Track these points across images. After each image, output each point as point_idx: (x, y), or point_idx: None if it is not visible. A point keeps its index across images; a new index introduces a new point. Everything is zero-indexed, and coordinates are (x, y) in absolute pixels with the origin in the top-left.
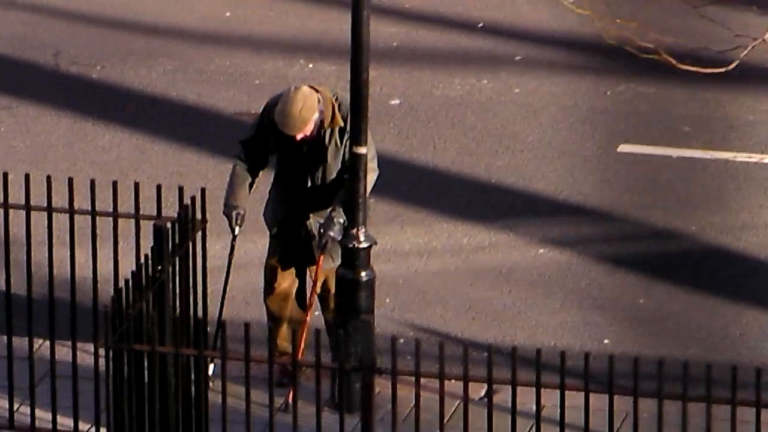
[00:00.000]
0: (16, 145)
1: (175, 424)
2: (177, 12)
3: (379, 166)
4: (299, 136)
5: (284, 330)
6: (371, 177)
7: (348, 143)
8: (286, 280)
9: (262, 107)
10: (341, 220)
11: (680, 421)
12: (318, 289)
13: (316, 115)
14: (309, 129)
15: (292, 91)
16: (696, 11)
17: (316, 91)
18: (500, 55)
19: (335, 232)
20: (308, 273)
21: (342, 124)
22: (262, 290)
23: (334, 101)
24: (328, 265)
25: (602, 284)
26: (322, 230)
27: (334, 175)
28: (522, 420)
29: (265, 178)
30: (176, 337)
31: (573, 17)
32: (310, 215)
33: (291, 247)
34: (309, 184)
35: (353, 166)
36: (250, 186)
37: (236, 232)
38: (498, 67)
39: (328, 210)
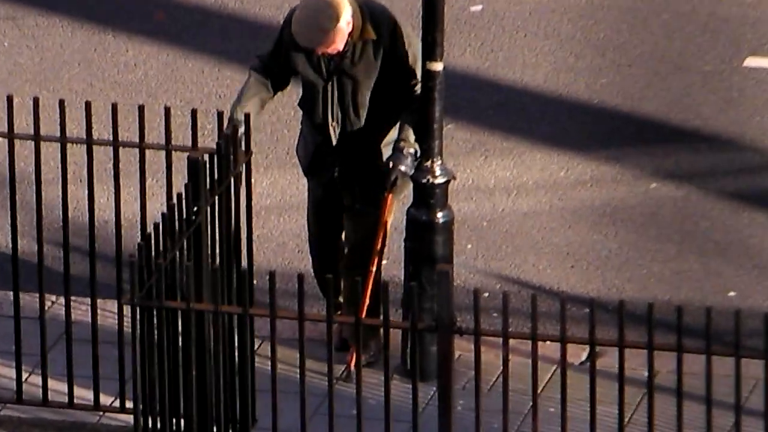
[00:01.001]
0: (23, 63)
1: (215, 395)
2: None
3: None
4: (320, 50)
5: (340, 284)
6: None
7: (408, 58)
8: (330, 228)
9: (285, 17)
10: (412, 151)
11: None
12: (381, 235)
13: (341, 26)
14: (332, 42)
15: None
16: None
17: None
18: None
19: (406, 166)
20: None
21: (374, 36)
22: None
23: (363, 9)
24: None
25: (726, 226)
26: (390, 164)
27: (367, 99)
28: (631, 388)
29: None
30: (216, 291)
31: None
32: (347, 147)
33: (329, 190)
34: (339, 111)
35: (427, 85)
36: (262, 103)
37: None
38: None
39: (394, 138)
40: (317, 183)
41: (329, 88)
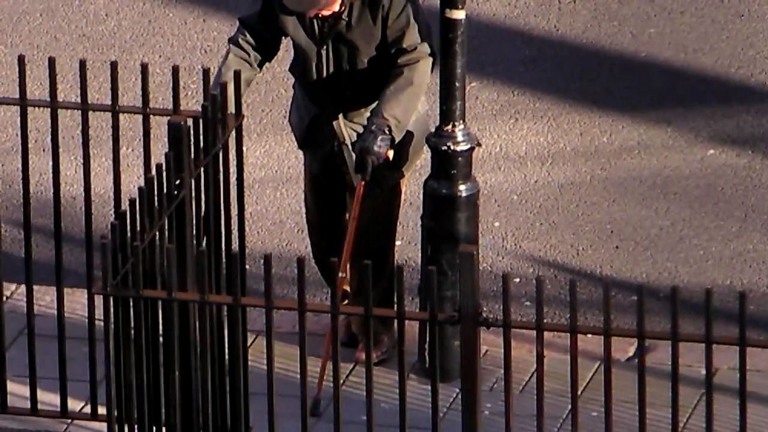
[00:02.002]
0: None
1: (202, 399)
2: None
3: (435, 52)
4: (312, 13)
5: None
6: (422, 66)
7: (393, 22)
8: (331, 208)
9: None
10: (386, 130)
11: None
12: (352, 227)
13: None
14: (326, 3)
15: None
16: None
17: None
18: None
19: (378, 146)
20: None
21: None
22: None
23: None
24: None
25: None
26: (359, 146)
27: (366, 65)
28: (686, 388)
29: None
30: (202, 279)
31: None
32: (341, 121)
33: (327, 165)
34: (335, 78)
35: (446, 37)
36: (246, 83)
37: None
38: None
39: (367, 115)
40: (314, 157)
41: (324, 54)
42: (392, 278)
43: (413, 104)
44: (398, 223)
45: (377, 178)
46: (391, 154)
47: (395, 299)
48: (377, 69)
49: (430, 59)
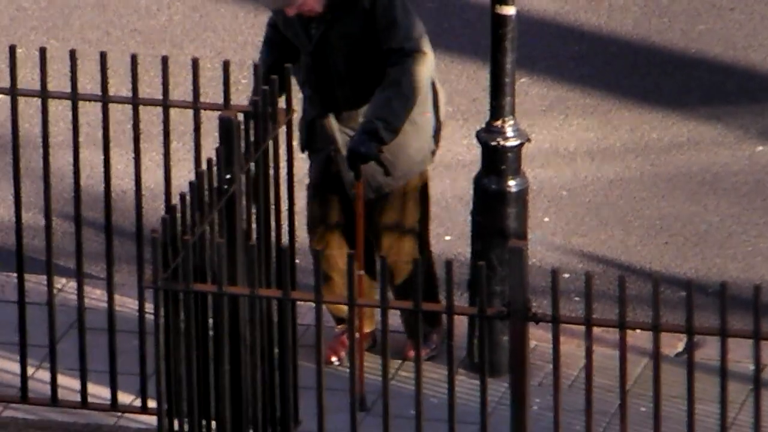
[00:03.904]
0: (27, 7)
1: (252, 393)
2: None
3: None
4: (289, 12)
5: (336, 286)
6: (412, 66)
7: (380, 23)
8: (330, 218)
9: None
10: (373, 131)
11: None
12: (360, 225)
13: None
14: (300, 3)
15: None
16: None
17: None
18: None
19: (365, 148)
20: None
21: None
22: None
23: None
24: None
25: None
26: (348, 147)
27: (355, 67)
28: (735, 383)
29: None
30: (252, 273)
31: None
32: (335, 125)
33: (324, 174)
34: (325, 80)
35: (497, 33)
36: (282, 88)
37: None
38: None
39: (361, 118)
40: (312, 162)
41: (313, 56)
42: (429, 289)
43: (403, 104)
44: (429, 228)
45: (372, 186)
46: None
47: (440, 297)
48: (368, 71)
49: (421, 57)
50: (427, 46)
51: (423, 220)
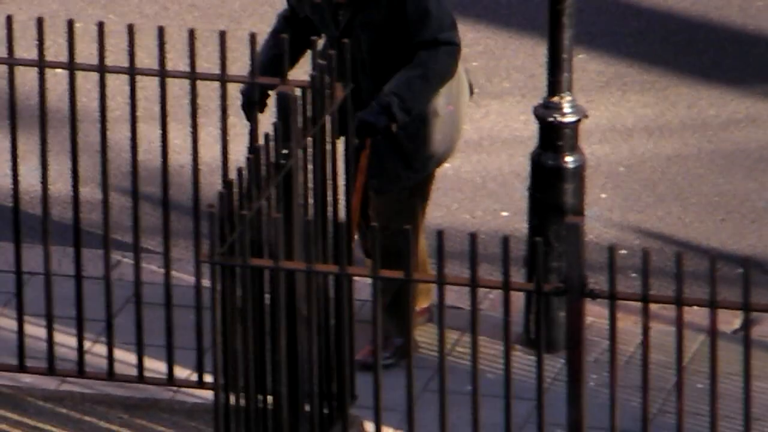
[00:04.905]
0: None
1: (308, 368)
2: None
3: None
4: None
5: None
6: (442, 55)
7: (412, 13)
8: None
9: None
10: (385, 105)
11: None
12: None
13: None
14: None
15: None
16: None
17: None
18: None
19: (374, 119)
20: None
21: None
22: None
23: None
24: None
25: None
26: (357, 116)
27: (382, 55)
28: None
29: None
30: (309, 247)
31: None
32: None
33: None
34: (352, 68)
35: (555, 8)
36: (293, 60)
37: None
38: None
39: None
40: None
41: (339, 44)
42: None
43: (425, 88)
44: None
45: (391, 176)
46: (394, 127)
47: (501, 269)
48: (391, 61)
49: (452, 49)
50: (457, 38)
51: (416, 216)
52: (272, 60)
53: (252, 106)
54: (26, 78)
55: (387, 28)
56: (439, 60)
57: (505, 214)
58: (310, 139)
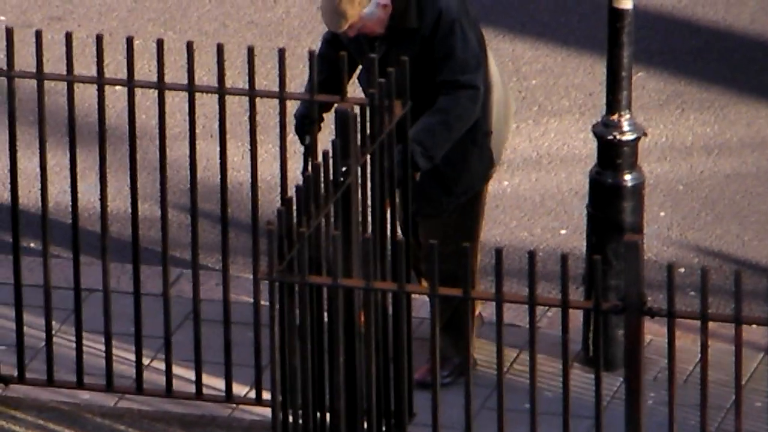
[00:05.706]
0: None
1: (366, 385)
2: None
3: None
4: (351, 34)
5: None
6: (462, 98)
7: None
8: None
9: None
10: (414, 155)
11: None
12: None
13: (366, 10)
14: (356, 28)
15: None
16: None
17: None
18: None
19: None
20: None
21: (416, 25)
22: None
23: None
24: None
25: None
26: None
27: (414, 91)
28: None
29: None
30: (367, 265)
31: None
32: None
33: None
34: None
35: (614, 27)
36: (333, 83)
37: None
38: None
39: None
40: None
41: (371, 73)
42: (462, 308)
43: (446, 136)
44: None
45: (432, 202)
46: (418, 176)
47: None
48: (423, 95)
49: (473, 93)
50: (479, 80)
51: (470, 236)
52: (321, 84)
53: (311, 123)
54: (85, 95)
55: (418, 63)
56: (460, 105)
57: (563, 232)
58: (368, 156)
